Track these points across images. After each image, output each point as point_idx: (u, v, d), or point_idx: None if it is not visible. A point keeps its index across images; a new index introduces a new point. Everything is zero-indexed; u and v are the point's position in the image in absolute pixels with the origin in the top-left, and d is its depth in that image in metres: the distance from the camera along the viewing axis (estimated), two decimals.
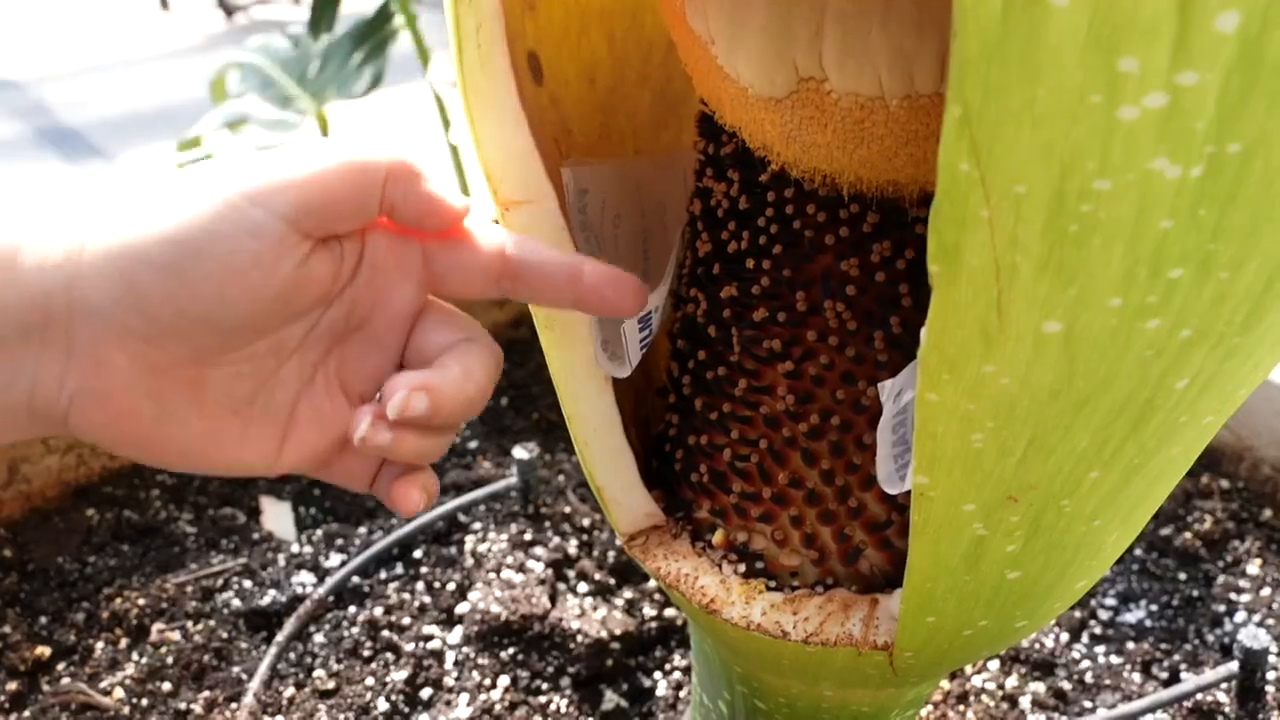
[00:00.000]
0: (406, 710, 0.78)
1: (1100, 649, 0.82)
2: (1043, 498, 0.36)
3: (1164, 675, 0.79)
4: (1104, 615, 0.85)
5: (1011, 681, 0.79)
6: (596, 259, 0.42)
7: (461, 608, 0.85)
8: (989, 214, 0.27)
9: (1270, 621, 0.82)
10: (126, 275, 0.36)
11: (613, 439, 0.48)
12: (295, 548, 0.94)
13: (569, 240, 0.45)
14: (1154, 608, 0.85)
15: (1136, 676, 0.79)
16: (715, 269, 0.45)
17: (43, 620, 0.86)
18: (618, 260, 0.49)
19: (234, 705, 0.79)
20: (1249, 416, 0.95)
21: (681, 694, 0.80)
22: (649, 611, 0.85)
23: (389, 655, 0.82)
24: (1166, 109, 0.25)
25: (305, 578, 0.90)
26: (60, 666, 0.82)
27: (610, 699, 0.79)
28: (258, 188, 0.37)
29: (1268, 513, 0.92)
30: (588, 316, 0.46)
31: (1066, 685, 0.79)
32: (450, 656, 0.82)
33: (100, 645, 0.84)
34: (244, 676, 0.81)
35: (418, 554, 0.92)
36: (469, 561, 0.90)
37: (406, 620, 0.85)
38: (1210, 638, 0.82)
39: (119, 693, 0.79)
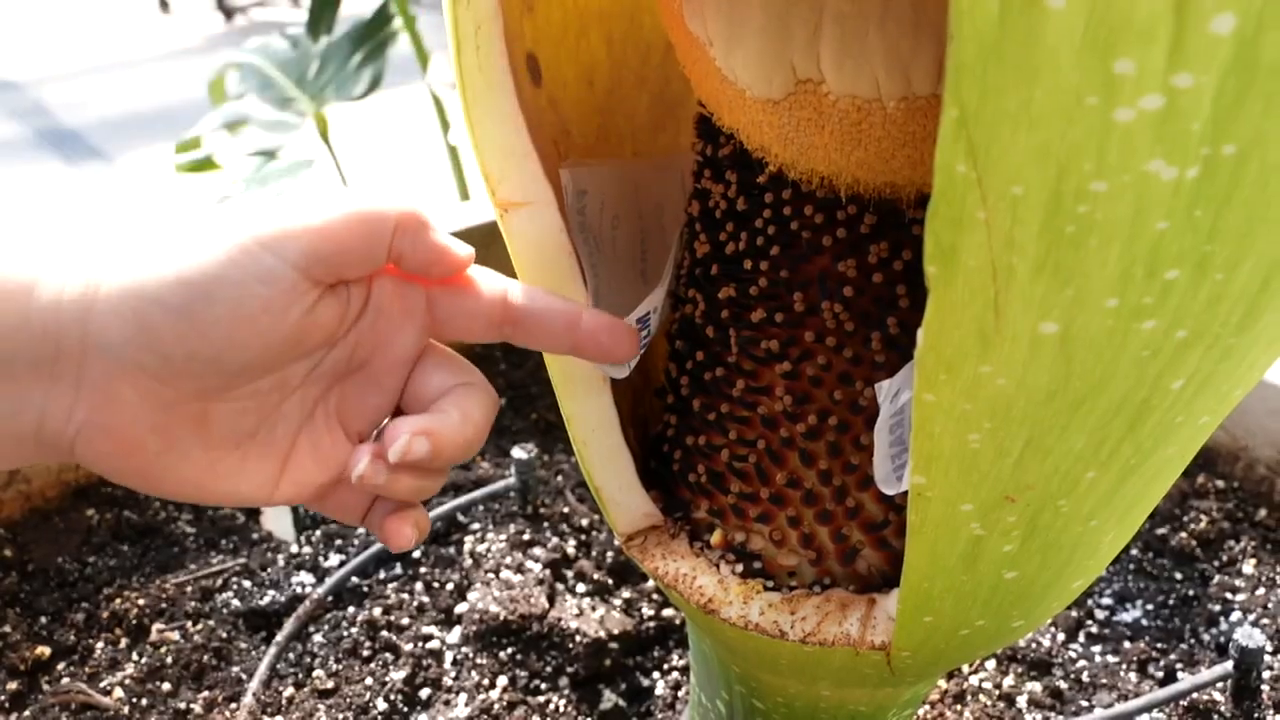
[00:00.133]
0: (405, 710, 0.78)
1: (1097, 648, 0.82)
2: (1040, 498, 0.36)
3: (1160, 674, 0.80)
4: (1100, 615, 0.85)
5: (1008, 681, 0.79)
6: (582, 273, 0.43)
7: (460, 608, 0.85)
8: (986, 215, 0.27)
9: (1265, 621, 0.82)
10: (140, 315, 0.37)
11: (611, 439, 0.48)
12: (294, 548, 0.94)
13: (567, 241, 0.45)
14: (1150, 607, 0.85)
15: (1133, 676, 0.79)
16: (713, 270, 0.45)
17: (43, 620, 0.86)
18: (616, 261, 0.49)
19: (233, 705, 0.79)
20: (1244, 417, 0.95)
21: (680, 693, 0.80)
22: (647, 611, 0.85)
23: (388, 655, 0.82)
24: (1162, 111, 0.25)
25: (304, 578, 0.90)
26: (60, 666, 0.82)
27: (609, 699, 0.79)
28: (270, 234, 0.38)
29: (1263, 512, 0.92)
30: None
31: (1063, 684, 0.79)
32: (449, 656, 0.82)
33: (100, 645, 0.84)
34: (243, 676, 0.81)
35: (416, 554, 0.92)
36: (468, 562, 0.90)
37: (405, 620, 0.85)
38: (1206, 637, 0.82)
39: (119, 692, 0.79)
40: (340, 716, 0.77)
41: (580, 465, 0.49)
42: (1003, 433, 0.33)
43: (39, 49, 4.78)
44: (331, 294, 0.40)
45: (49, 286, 0.37)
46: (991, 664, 0.81)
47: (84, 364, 0.38)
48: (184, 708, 0.78)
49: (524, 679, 0.80)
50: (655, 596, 0.87)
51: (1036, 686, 0.79)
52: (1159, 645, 0.82)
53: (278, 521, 0.97)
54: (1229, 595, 0.85)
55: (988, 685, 0.79)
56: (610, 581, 0.88)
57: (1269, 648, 0.79)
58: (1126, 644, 0.82)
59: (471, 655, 0.82)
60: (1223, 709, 0.75)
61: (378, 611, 0.86)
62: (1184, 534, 0.91)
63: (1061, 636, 0.83)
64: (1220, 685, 0.76)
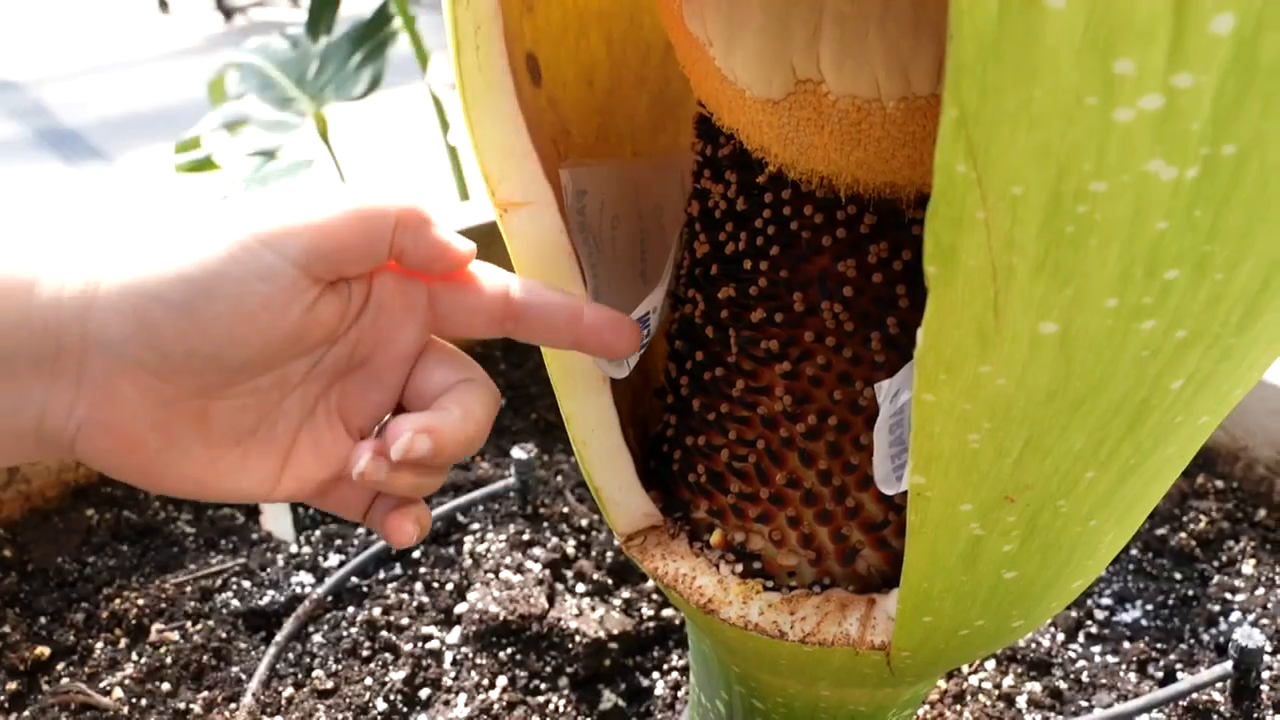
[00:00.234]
0: (405, 710, 0.78)
1: (1096, 648, 0.82)
2: (1039, 498, 0.36)
3: (1160, 675, 0.80)
4: (1100, 615, 0.85)
5: (1008, 681, 0.79)
6: (582, 273, 0.43)
7: (460, 608, 0.85)
8: (985, 215, 0.27)
9: (1265, 621, 0.82)
10: (140, 312, 0.37)
11: (610, 439, 0.48)
12: (294, 548, 0.94)
13: (566, 241, 0.45)
14: (1149, 607, 0.85)
15: (1132, 676, 0.79)
16: (713, 270, 0.45)
17: (42, 620, 0.86)
18: (615, 261, 0.49)
19: (233, 705, 0.79)
20: (1244, 417, 0.95)
21: (679, 694, 0.80)
22: (647, 611, 0.85)
23: (387, 655, 0.82)
24: (1162, 111, 0.25)
25: (304, 578, 0.90)
26: (60, 666, 0.82)
27: (608, 699, 0.79)
28: (271, 231, 0.38)
29: (1262, 513, 0.92)
30: None
31: (1063, 685, 0.79)
32: (449, 656, 0.82)
33: (99, 645, 0.84)
34: (243, 676, 0.81)
35: (416, 554, 0.92)
36: (467, 562, 0.90)
37: (405, 620, 0.85)
38: (1205, 637, 0.82)
39: (118, 693, 0.79)
40: (340, 716, 0.77)
41: (580, 465, 0.49)
42: (1002, 433, 0.33)
43: (39, 49, 4.78)
44: (332, 291, 0.40)
45: (49, 284, 0.37)
46: (991, 664, 0.81)
47: (84, 361, 0.38)
48: (183, 708, 0.78)
49: (524, 679, 0.80)
50: (655, 596, 0.87)
51: (1036, 686, 0.79)
52: (1158, 645, 0.82)
53: (277, 522, 0.97)
54: (1228, 595, 0.85)
55: (987, 685, 0.79)
56: (610, 581, 0.88)
57: (1268, 648, 0.79)
58: (1126, 644, 0.82)
59: (471, 655, 0.82)
60: (1222, 709, 0.75)
61: (377, 611, 0.86)
62: (1183, 534, 0.91)
63: (1061, 636, 0.83)
64: (1220, 685, 0.76)
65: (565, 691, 0.79)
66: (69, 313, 0.37)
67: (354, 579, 0.90)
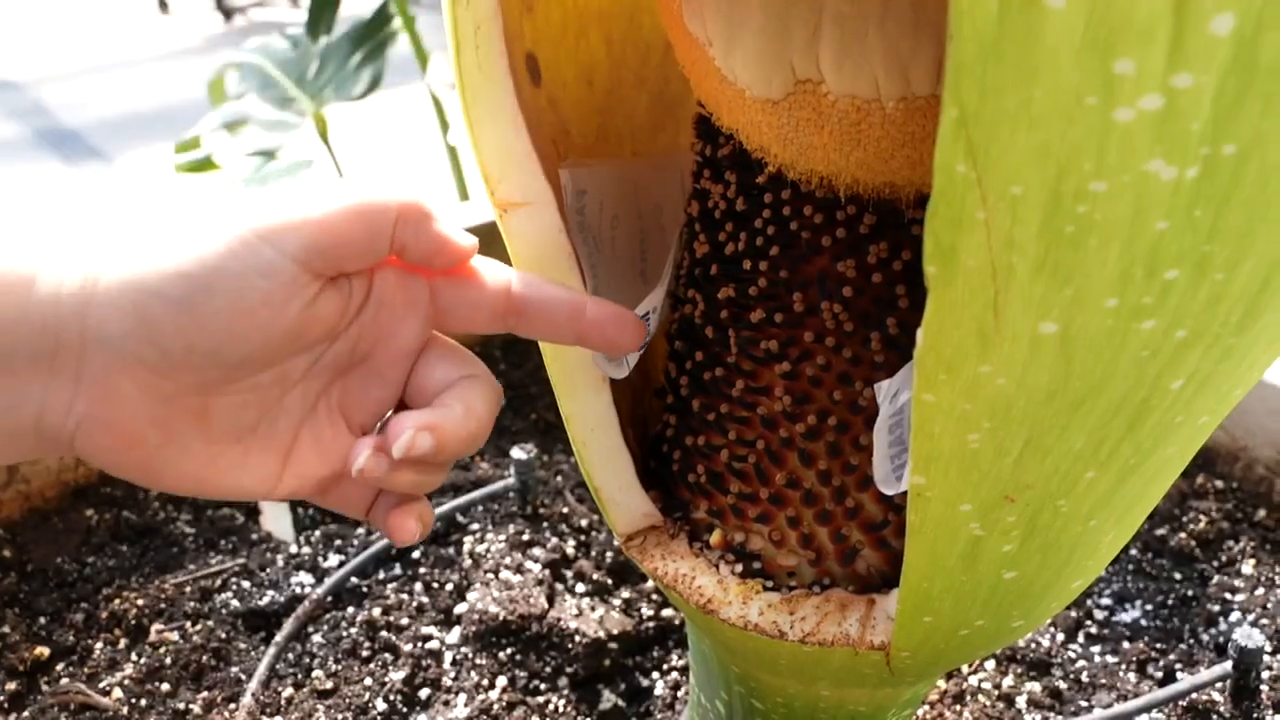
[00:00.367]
0: (405, 710, 0.78)
1: (1096, 648, 0.82)
2: (1039, 498, 0.36)
3: (1159, 675, 0.80)
4: (1100, 615, 0.85)
5: (1008, 681, 0.79)
6: (581, 273, 0.43)
7: (460, 608, 0.85)
8: (985, 215, 0.27)
9: (1265, 621, 0.82)
10: (139, 308, 0.37)
11: (610, 439, 0.48)
12: (294, 548, 0.94)
13: (566, 241, 0.45)
14: (1149, 607, 0.85)
15: (1132, 676, 0.79)
16: (713, 270, 0.45)
17: (42, 620, 0.86)
18: (615, 261, 0.49)
19: (232, 705, 0.79)
20: (1243, 417, 0.95)
21: (679, 694, 0.80)
22: (647, 611, 0.85)
23: (387, 655, 0.82)
24: (1162, 111, 0.25)
25: (304, 578, 0.90)
26: (59, 667, 0.82)
27: (608, 699, 0.79)
28: (270, 227, 0.38)
29: (1262, 513, 0.92)
30: None
31: (1062, 685, 0.79)
32: (448, 657, 0.82)
33: (99, 645, 0.84)
34: (243, 677, 0.81)
35: (416, 554, 0.92)
36: (467, 562, 0.90)
37: (405, 620, 0.85)
38: (1205, 637, 0.82)
39: (118, 693, 0.79)
40: (339, 717, 0.77)
41: (580, 465, 0.49)
42: (1002, 433, 0.33)
43: (38, 49, 4.78)
44: (333, 287, 0.40)
45: (48, 280, 0.37)
46: (991, 664, 0.81)
47: (83, 357, 0.38)
48: (183, 708, 0.78)
49: (523, 679, 0.80)
50: (655, 597, 0.87)
51: (1036, 687, 0.79)
52: (1158, 645, 0.82)
53: (277, 522, 0.97)
54: (1228, 595, 0.85)
55: (987, 685, 0.79)
56: (610, 582, 0.88)
57: (1268, 648, 0.79)
58: (1126, 644, 0.82)
59: (471, 655, 0.82)
60: (1222, 709, 0.75)
61: (377, 612, 0.86)
62: (1183, 534, 0.91)
63: (1061, 637, 0.83)
64: (1219, 685, 0.76)
65: (565, 691, 0.79)
66: (68, 309, 0.37)
67: (354, 579, 0.90)
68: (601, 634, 0.81)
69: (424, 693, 0.80)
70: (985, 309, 0.29)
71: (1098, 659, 0.81)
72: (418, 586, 0.89)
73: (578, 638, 0.80)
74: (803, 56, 0.36)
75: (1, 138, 3.83)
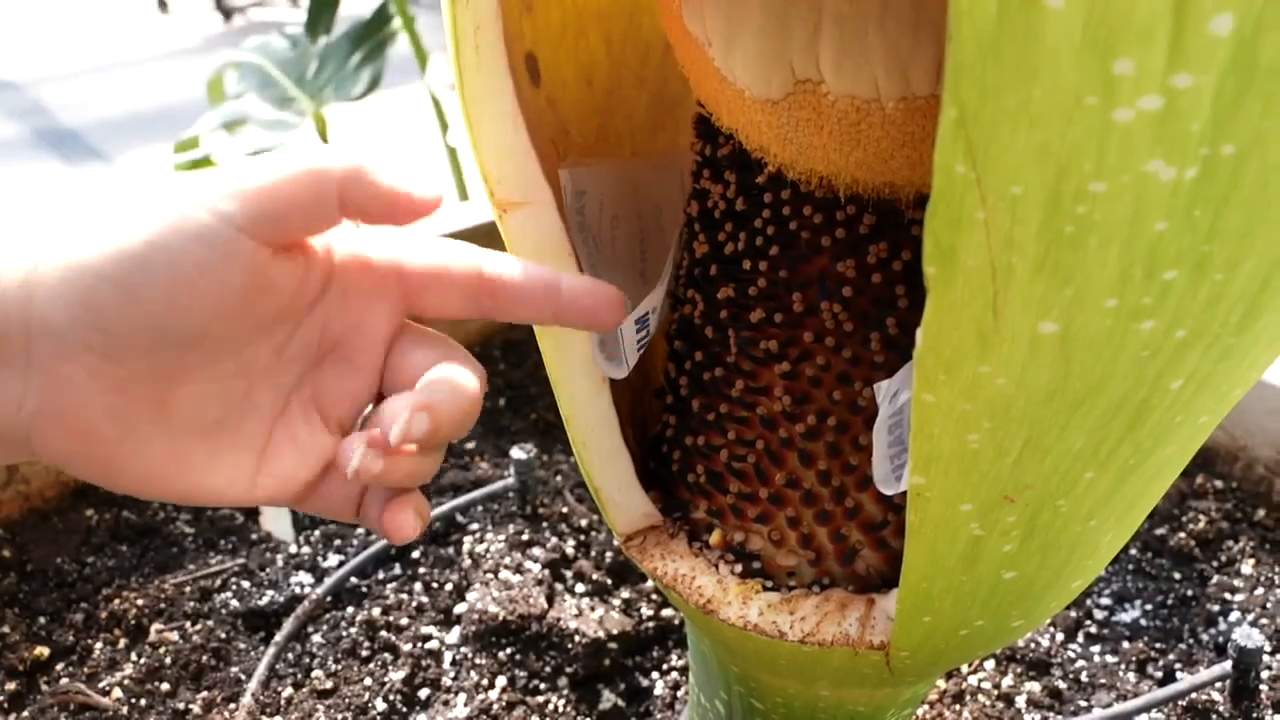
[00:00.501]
0: (404, 710, 0.78)
1: (1095, 648, 0.82)
2: (1039, 498, 0.36)
3: (1159, 674, 0.80)
4: (1099, 615, 0.85)
5: (1007, 681, 0.79)
6: (581, 273, 0.42)
7: (459, 608, 0.85)
8: (985, 215, 0.27)
9: (1264, 621, 0.82)
10: (81, 291, 0.36)
11: (610, 439, 0.48)
12: (293, 548, 0.94)
13: (566, 241, 0.45)
14: (1149, 607, 0.85)
15: (1131, 676, 0.79)
16: (712, 270, 0.45)
17: (41, 620, 0.86)
18: (615, 261, 0.49)
19: (232, 705, 0.79)
20: (1243, 416, 0.95)
21: (679, 694, 0.80)
22: (646, 611, 0.85)
23: (387, 655, 0.82)
24: (1162, 111, 0.25)
25: (303, 578, 0.90)
26: (59, 667, 0.82)
27: (608, 699, 0.79)
28: (207, 195, 0.37)
29: (1261, 512, 0.92)
30: None
31: (1062, 684, 0.79)
32: (448, 657, 0.82)
33: (99, 645, 0.84)
34: (242, 677, 0.81)
35: (415, 554, 0.92)
36: (467, 562, 0.90)
37: (404, 620, 0.85)
38: (1205, 637, 0.82)
39: (117, 693, 0.79)
40: (339, 717, 0.77)
41: (579, 465, 0.49)
42: (1002, 433, 0.33)
43: (38, 49, 4.78)
44: (285, 257, 0.39)
45: None
46: (990, 664, 0.81)
47: (30, 348, 0.36)
48: (183, 708, 0.78)
49: (523, 679, 0.80)
50: (654, 596, 0.87)
51: (1035, 686, 0.79)
52: (1158, 645, 0.82)
53: (276, 522, 0.97)
54: (1228, 595, 0.85)
55: (986, 685, 0.79)
56: (609, 581, 0.88)
57: (1267, 648, 0.79)
58: (1125, 644, 0.82)
59: (470, 655, 0.82)
60: (1221, 709, 0.75)
61: (377, 612, 0.86)
62: (1183, 534, 0.91)
63: (1060, 636, 0.83)
64: (1219, 685, 0.76)
65: (565, 691, 0.79)
66: (12, 301, 0.36)
67: (353, 579, 0.90)
68: (601, 634, 0.81)
69: (424, 693, 0.80)
70: (985, 309, 0.29)
71: (1097, 659, 0.81)
72: (417, 586, 0.89)
73: (577, 638, 0.80)
74: (802, 56, 0.36)
75: (1, 138, 3.82)
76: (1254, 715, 0.74)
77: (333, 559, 0.92)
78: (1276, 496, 0.93)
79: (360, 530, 0.95)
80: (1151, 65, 0.24)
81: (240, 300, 0.37)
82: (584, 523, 0.94)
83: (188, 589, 0.89)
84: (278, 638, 0.83)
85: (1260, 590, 0.85)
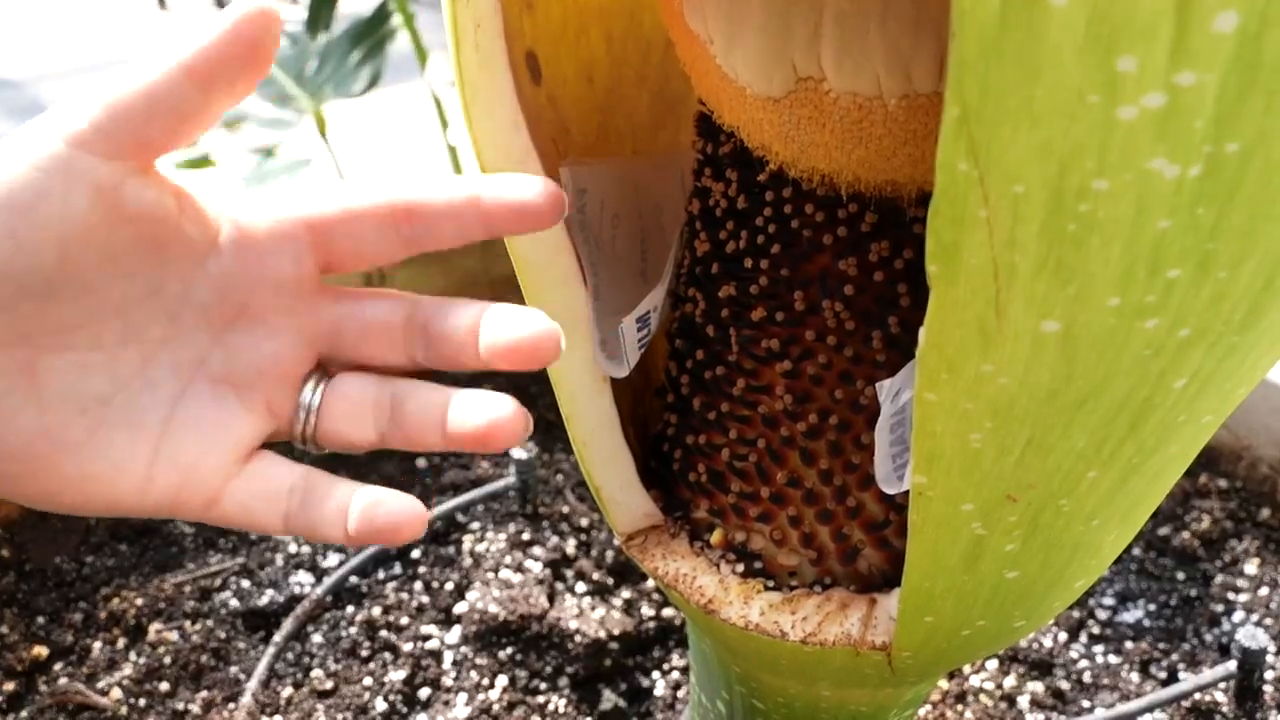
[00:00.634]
0: (404, 710, 0.78)
1: (1098, 648, 0.82)
2: (1041, 497, 0.36)
3: (1162, 675, 0.80)
4: (1102, 615, 0.85)
5: (1010, 681, 0.79)
6: (582, 273, 0.40)
7: (459, 608, 0.85)
8: (987, 214, 0.27)
9: (1268, 621, 0.82)
10: None
11: (611, 439, 0.48)
12: (293, 547, 0.94)
13: (566, 240, 0.45)
14: (1152, 607, 0.85)
15: (1135, 676, 0.79)
16: (713, 268, 0.45)
17: (40, 620, 0.85)
18: (616, 260, 0.49)
19: (232, 705, 0.79)
20: (1247, 415, 0.95)
21: (680, 694, 0.80)
22: (647, 611, 0.85)
23: (387, 655, 0.82)
24: (1165, 109, 0.25)
25: (303, 577, 0.90)
26: (58, 666, 0.82)
27: (608, 699, 0.79)
28: (64, 116, 0.34)
29: (1266, 512, 0.92)
30: (586, 316, 0.45)
31: (1065, 685, 0.79)
32: (448, 656, 0.82)
33: (98, 645, 0.84)
34: (242, 676, 0.81)
35: (416, 554, 0.92)
36: (467, 561, 0.90)
37: (404, 620, 0.85)
38: (1208, 637, 0.82)
39: (116, 693, 0.79)
40: (339, 717, 0.77)
41: (580, 465, 0.49)
42: (1004, 432, 0.33)
43: (36, 47, 4.78)
44: (142, 178, 0.35)
45: None
46: (993, 664, 0.81)
47: None
48: (182, 708, 0.78)
49: (523, 679, 0.80)
50: (655, 596, 0.87)
51: (1038, 687, 0.79)
52: (1161, 645, 0.82)
53: None
54: (1231, 595, 0.85)
55: (989, 685, 0.79)
56: (610, 581, 0.88)
57: (1272, 648, 0.79)
58: (1129, 644, 0.82)
59: (471, 655, 0.81)
60: (1225, 709, 0.75)
61: (377, 611, 0.86)
62: (1186, 533, 0.91)
63: (1063, 636, 0.83)
64: (1223, 686, 0.76)
65: (565, 691, 0.79)
66: None
67: (353, 579, 0.90)
68: (602, 634, 0.81)
69: (424, 692, 0.80)
70: (987, 308, 0.29)
71: (1100, 659, 0.81)
72: (418, 586, 0.89)
73: (578, 637, 0.80)
74: (804, 54, 0.36)
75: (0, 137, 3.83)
76: (1258, 716, 0.74)
77: (333, 558, 0.92)
78: None
79: None
80: (1154, 63, 0.24)
81: (91, 228, 0.34)
82: (585, 522, 0.94)
83: (187, 588, 0.89)
84: (277, 637, 0.83)
85: (1264, 590, 0.85)
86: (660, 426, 0.51)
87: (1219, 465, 0.97)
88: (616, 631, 0.82)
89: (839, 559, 0.45)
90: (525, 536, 0.92)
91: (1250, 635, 0.73)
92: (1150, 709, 0.75)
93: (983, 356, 0.31)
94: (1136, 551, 0.90)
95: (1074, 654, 0.82)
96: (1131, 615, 0.85)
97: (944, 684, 0.79)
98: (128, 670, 0.81)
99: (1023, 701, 0.77)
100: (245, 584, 0.90)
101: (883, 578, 0.45)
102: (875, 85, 0.36)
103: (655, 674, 0.82)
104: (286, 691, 0.79)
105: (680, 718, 0.78)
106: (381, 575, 0.90)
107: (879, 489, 0.39)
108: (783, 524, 0.45)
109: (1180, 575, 0.88)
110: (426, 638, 0.84)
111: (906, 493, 0.37)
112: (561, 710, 0.78)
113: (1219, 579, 0.87)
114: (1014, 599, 0.41)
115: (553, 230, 0.44)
